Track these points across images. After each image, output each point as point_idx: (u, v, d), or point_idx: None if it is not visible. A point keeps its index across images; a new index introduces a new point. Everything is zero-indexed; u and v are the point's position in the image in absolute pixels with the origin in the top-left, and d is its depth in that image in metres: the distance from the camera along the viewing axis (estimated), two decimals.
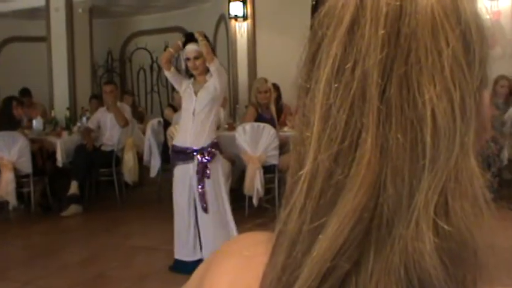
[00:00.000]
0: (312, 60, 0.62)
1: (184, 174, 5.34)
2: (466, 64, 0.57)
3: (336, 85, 0.58)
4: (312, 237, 0.57)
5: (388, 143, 0.55)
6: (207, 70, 5.32)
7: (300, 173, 0.59)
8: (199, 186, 5.26)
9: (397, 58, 0.56)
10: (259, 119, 7.54)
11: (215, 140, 5.43)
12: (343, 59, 0.58)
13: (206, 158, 5.25)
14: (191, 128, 5.31)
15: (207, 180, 5.26)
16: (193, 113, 5.31)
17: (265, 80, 7.71)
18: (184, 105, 5.50)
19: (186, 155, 5.31)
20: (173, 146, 5.57)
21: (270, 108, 7.69)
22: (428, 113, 0.55)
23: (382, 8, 0.57)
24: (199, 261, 5.23)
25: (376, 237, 0.55)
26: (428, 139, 0.55)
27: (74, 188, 8.08)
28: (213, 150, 5.32)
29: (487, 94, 0.64)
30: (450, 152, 0.55)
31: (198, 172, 5.25)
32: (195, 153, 5.26)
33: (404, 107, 0.55)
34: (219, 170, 5.41)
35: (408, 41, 0.56)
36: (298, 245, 0.58)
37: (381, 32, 0.56)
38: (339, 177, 0.57)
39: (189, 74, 5.53)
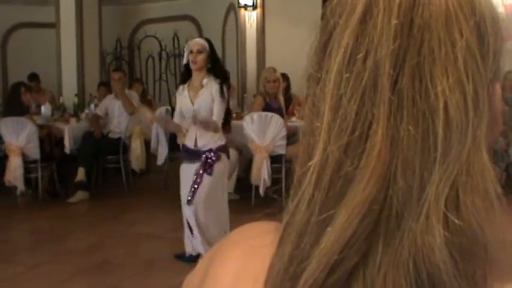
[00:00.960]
0: (323, 49, 0.61)
1: (188, 173, 5.24)
2: (480, 56, 0.56)
3: (347, 75, 0.57)
4: (320, 229, 0.56)
5: (399, 135, 0.55)
6: (207, 69, 5.19)
7: (309, 163, 0.59)
8: (196, 181, 5.16)
9: (409, 49, 0.55)
10: (267, 108, 7.52)
11: (224, 143, 5.30)
12: (354, 49, 0.57)
13: (212, 158, 5.15)
14: (197, 132, 5.19)
15: (206, 177, 5.15)
16: (195, 122, 5.17)
17: (274, 70, 7.68)
18: (182, 108, 5.30)
19: (194, 155, 5.19)
20: (183, 145, 5.40)
21: (278, 98, 7.67)
22: (441, 105, 0.54)
23: None
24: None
25: (385, 229, 0.55)
26: (440, 131, 0.54)
27: (81, 174, 8.11)
28: (219, 152, 5.20)
29: (499, 87, 0.63)
30: (462, 145, 0.54)
31: (200, 168, 5.15)
32: (203, 154, 5.15)
33: (416, 98, 0.55)
34: (222, 172, 5.31)
35: (421, 32, 0.55)
36: (306, 236, 0.58)
37: (394, 22, 0.55)
38: (348, 169, 0.56)
39: (183, 77, 5.40)
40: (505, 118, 7.73)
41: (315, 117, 0.60)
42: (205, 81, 5.16)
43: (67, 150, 8.24)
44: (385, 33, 0.55)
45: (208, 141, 5.17)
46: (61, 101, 10.22)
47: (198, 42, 5.22)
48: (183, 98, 5.25)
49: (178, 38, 13.38)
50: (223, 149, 5.26)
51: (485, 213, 0.55)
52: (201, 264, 0.80)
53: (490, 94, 0.58)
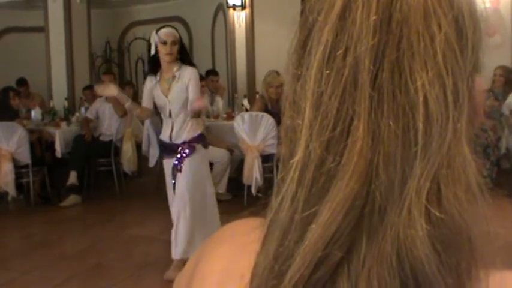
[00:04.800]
0: (303, 46, 0.61)
1: (169, 167, 5.14)
2: (459, 49, 0.57)
3: (327, 72, 0.57)
4: (304, 226, 0.57)
5: (380, 130, 0.55)
6: (177, 60, 5.00)
7: (292, 161, 0.59)
8: (173, 181, 5.10)
9: (389, 44, 0.55)
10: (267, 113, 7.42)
11: (200, 133, 5.13)
12: (334, 46, 0.57)
13: (185, 152, 5.01)
14: (173, 127, 5.06)
15: (178, 174, 5.04)
16: (171, 115, 5.03)
17: (277, 74, 7.47)
18: (156, 102, 5.09)
19: (171, 149, 5.08)
20: (160, 140, 5.34)
21: (279, 103, 7.53)
22: (421, 99, 0.54)
23: None
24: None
25: (369, 225, 0.55)
26: (420, 125, 0.54)
27: (72, 178, 8.09)
28: (194, 144, 5.05)
29: (479, 79, 0.63)
30: (443, 139, 0.54)
31: (174, 166, 5.05)
32: (179, 148, 5.02)
33: (396, 93, 0.55)
34: (199, 163, 5.13)
35: (400, 27, 0.56)
36: (290, 233, 0.58)
37: (373, 17, 0.56)
38: (330, 165, 0.56)
39: (150, 68, 5.14)
40: (495, 113, 7.78)
41: (296, 115, 0.60)
42: (178, 73, 4.96)
43: (58, 154, 8.23)
44: (364, 29, 0.56)
45: (182, 132, 5.03)
46: (51, 105, 10.21)
47: (172, 32, 4.95)
48: (155, 91, 5.03)
49: None
50: (198, 140, 5.11)
51: (468, 205, 0.55)
52: (189, 262, 0.80)
53: (469, 87, 0.58)
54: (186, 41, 12.77)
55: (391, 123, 0.55)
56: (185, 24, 12.92)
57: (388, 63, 0.55)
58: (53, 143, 8.32)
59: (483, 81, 0.68)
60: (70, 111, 10.00)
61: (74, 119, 9.31)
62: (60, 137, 8.25)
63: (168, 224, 5.66)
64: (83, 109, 9.40)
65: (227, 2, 10.69)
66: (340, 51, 0.57)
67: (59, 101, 10.43)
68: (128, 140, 8.63)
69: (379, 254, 0.54)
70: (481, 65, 0.63)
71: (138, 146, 8.75)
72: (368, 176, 0.55)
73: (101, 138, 8.60)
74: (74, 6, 11.16)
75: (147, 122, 8.56)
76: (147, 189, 8.84)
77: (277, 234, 0.59)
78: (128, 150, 8.61)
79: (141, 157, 8.88)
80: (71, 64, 11.14)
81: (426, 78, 0.55)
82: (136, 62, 14.14)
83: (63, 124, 8.88)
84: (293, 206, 0.58)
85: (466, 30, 0.58)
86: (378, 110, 0.55)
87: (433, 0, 0.56)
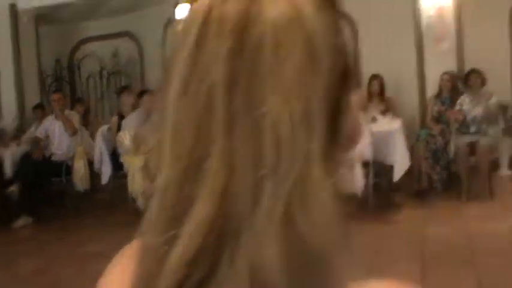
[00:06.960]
0: (167, 76, 0.63)
1: None
2: (311, 73, 0.58)
3: (183, 101, 0.59)
4: (167, 248, 0.58)
5: (234, 155, 0.57)
6: None
7: (155, 184, 0.61)
8: None
9: (242, 71, 0.57)
10: None
11: None
12: (190, 75, 0.59)
13: None
14: None
15: None
16: None
17: None
18: None
19: None
20: None
21: None
22: (269, 123, 0.56)
23: (227, 22, 0.59)
24: None
25: (227, 246, 0.56)
26: (268, 149, 0.56)
27: (22, 198, 7.97)
28: None
29: (354, 98, 0.65)
30: (292, 161, 0.56)
31: None
32: None
33: (248, 118, 0.57)
34: None
35: (252, 54, 0.57)
36: (153, 255, 0.60)
37: (226, 47, 0.58)
38: (189, 189, 0.58)
39: None
40: (443, 117, 7.93)
41: (160, 142, 0.62)
42: None
43: (7, 176, 8.13)
44: (217, 58, 0.58)
45: None
46: (0, 125, 10.05)
47: None
48: None
49: (118, 56, 13.26)
50: None
51: (324, 226, 0.56)
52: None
53: (332, 108, 0.60)
54: (136, 56, 12.77)
55: (244, 148, 0.57)
56: (135, 40, 12.85)
57: (241, 90, 0.57)
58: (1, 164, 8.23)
59: (359, 98, 0.70)
60: (20, 131, 9.85)
61: (23, 138, 9.18)
62: (10, 158, 8.17)
63: (123, 239, 5.62)
64: (33, 128, 9.28)
65: (176, 17, 10.67)
66: (195, 80, 0.59)
67: (8, 121, 10.26)
68: (80, 158, 8.53)
69: (236, 276, 0.55)
70: (355, 85, 0.65)
71: (90, 163, 8.66)
72: (224, 199, 0.57)
73: (52, 157, 8.51)
74: (21, 24, 11.00)
75: (99, 139, 8.47)
76: (101, 205, 8.75)
77: (144, 256, 0.62)
78: (80, 168, 8.51)
79: (94, 174, 8.79)
80: (20, 84, 10.96)
81: (276, 103, 0.56)
82: (88, 79, 13.98)
83: (13, 145, 8.78)
84: (156, 229, 0.60)
85: (319, 55, 0.59)
86: (232, 135, 0.57)
87: (284, 27, 0.58)
